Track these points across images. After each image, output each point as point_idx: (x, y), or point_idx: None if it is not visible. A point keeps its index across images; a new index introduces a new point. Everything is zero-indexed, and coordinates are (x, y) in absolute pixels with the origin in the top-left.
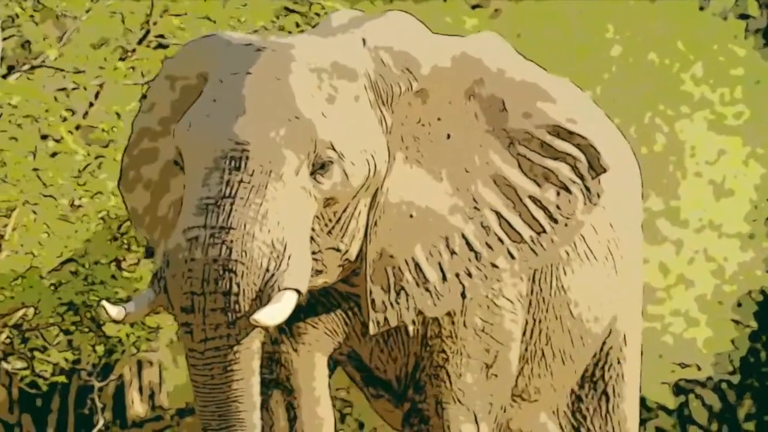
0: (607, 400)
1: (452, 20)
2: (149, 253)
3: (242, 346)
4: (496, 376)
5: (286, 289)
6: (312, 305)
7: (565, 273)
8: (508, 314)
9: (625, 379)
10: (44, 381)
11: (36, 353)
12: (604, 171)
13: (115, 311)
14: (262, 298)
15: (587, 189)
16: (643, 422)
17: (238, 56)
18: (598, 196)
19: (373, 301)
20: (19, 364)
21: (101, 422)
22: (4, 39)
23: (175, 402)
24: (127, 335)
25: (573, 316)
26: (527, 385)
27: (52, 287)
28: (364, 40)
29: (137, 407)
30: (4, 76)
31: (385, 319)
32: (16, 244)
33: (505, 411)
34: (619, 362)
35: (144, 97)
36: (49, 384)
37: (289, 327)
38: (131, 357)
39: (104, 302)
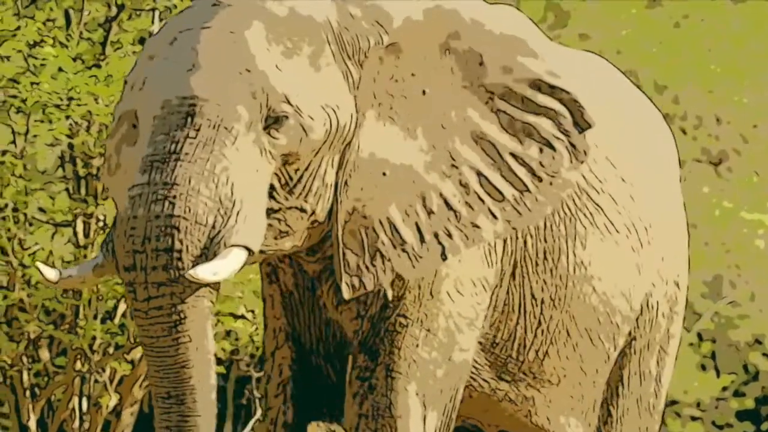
0: (641, 381)
1: (611, 10)
2: None
3: (187, 306)
4: (449, 360)
5: (233, 246)
6: (306, 306)
7: (583, 247)
8: (468, 297)
9: (664, 361)
10: None
11: None
12: (589, 126)
13: (51, 273)
14: (207, 256)
15: (572, 146)
16: None
17: (196, 13)
18: (585, 153)
19: (347, 263)
20: None
21: (259, 412)
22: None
23: None
24: None
25: (596, 292)
26: (555, 368)
27: None
28: None
29: None
30: None
31: (361, 282)
32: None
33: (455, 408)
34: (656, 340)
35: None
36: None
37: (293, 333)
38: None
39: (39, 263)
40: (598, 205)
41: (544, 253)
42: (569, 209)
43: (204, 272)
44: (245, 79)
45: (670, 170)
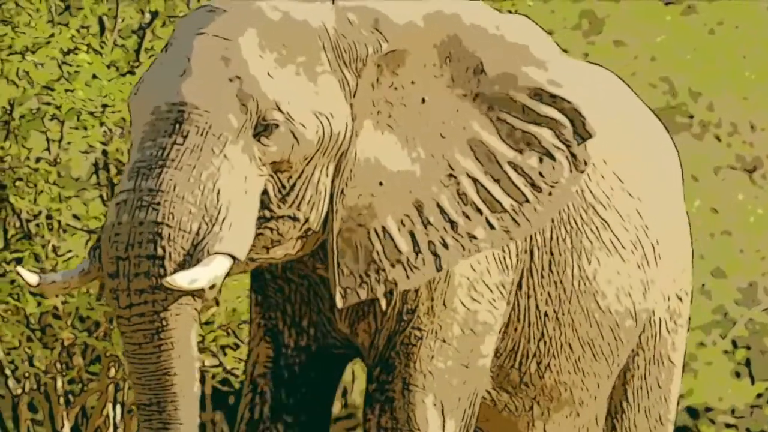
0: (649, 394)
1: (645, 16)
2: None
3: (169, 313)
4: (466, 367)
5: (217, 253)
6: (294, 304)
7: (589, 262)
8: (485, 303)
9: (671, 373)
10: (236, 378)
11: (228, 350)
12: (591, 137)
13: (31, 278)
14: (190, 263)
15: (573, 155)
16: None
17: (193, 18)
18: (585, 163)
19: (341, 272)
20: (211, 362)
21: None
22: None
23: None
24: None
25: (601, 307)
26: (556, 381)
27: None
28: (333, 1)
29: None
30: None
31: (355, 292)
32: None
33: (474, 413)
34: (660, 354)
35: None
36: (241, 381)
37: (276, 329)
38: None
39: (19, 268)
40: (604, 221)
41: (550, 265)
42: (576, 223)
43: (182, 280)
44: (235, 85)
45: (674, 183)
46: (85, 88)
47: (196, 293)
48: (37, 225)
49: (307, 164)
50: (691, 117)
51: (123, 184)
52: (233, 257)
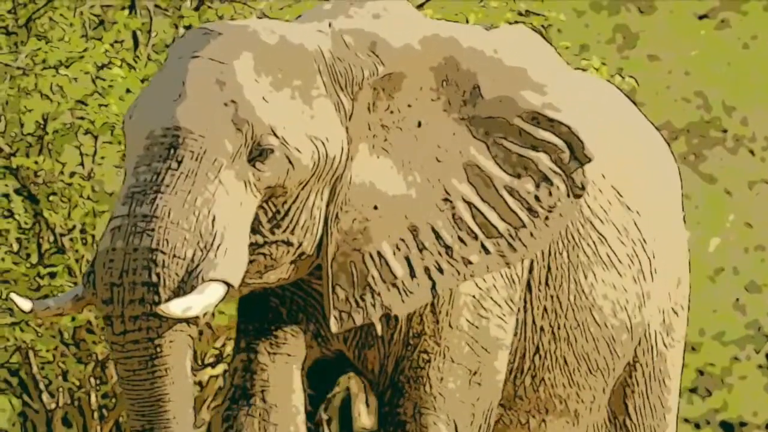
0: (652, 413)
1: (680, 31)
2: None
3: (164, 340)
4: (479, 384)
5: (211, 280)
6: (289, 308)
7: (585, 276)
8: (495, 318)
9: (669, 389)
10: None
11: None
12: (589, 161)
13: (24, 304)
14: (184, 290)
15: (570, 179)
16: None
17: (190, 41)
18: (583, 187)
19: (336, 297)
20: None
21: None
22: None
23: None
24: None
25: (597, 321)
26: (551, 395)
27: None
28: (330, 24)
29: (364, 419)
30: None
31: (350, 316)
32: None
33: (489, 427)
34: (660, 370)
35: None
36: None
37: (265, 333)
38: None
39: (13, 294)
40: (601, 235)
41: (547, 279)
42: (573, 238)
43: (175, 307)
44: (230, 110)
45: (673, 196)
46: (118, 102)
47: (191, 320)
48: (71, 239)
49: (302, 189)
50: (725, 131)
51: (117, 210)
52: (228, 284)
